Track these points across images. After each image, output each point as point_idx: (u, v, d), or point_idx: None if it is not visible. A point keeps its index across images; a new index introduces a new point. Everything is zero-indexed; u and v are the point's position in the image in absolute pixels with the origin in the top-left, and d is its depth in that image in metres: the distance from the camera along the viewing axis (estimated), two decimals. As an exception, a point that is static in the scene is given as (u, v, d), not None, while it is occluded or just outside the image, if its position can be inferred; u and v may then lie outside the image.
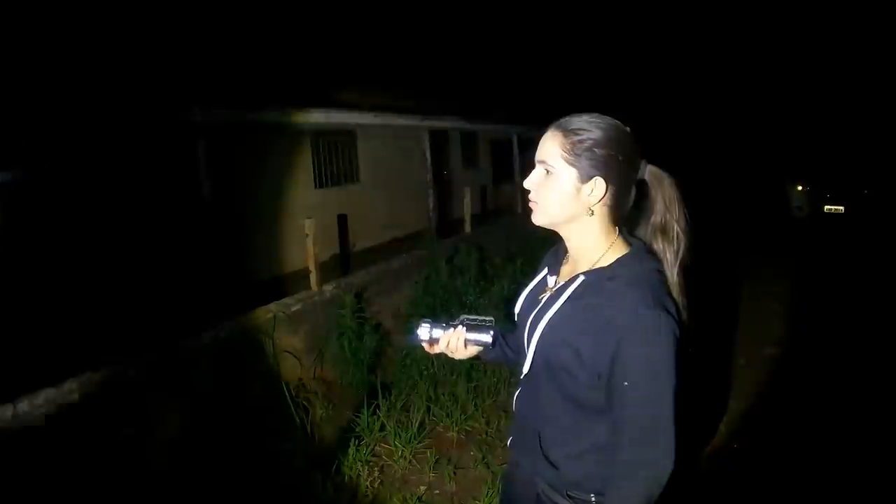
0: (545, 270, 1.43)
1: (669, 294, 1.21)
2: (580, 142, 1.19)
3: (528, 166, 1.29)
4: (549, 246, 1.49)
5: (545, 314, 1.26)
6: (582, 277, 1.24)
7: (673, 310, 1.17)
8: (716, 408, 3.93)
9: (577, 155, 1.19)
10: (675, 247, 1.25)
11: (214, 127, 6.64)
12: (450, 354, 1.49)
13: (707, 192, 16.76)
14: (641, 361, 1.13)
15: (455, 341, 1.45)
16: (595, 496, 1.27)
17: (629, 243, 1.27)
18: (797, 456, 3.34)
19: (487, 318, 1.46)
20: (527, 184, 1.27)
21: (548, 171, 1.22)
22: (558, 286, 1.30)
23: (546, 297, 1.32)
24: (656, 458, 1.15)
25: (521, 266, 6.50)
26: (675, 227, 1.25)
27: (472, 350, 1.48)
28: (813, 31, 20.71)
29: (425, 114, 10.31)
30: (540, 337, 1.26)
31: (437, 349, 1.49)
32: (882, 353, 4.80)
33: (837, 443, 3.45)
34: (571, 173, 1.19)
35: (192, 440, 3.13)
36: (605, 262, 1.23)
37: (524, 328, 1.33)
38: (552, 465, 1.32)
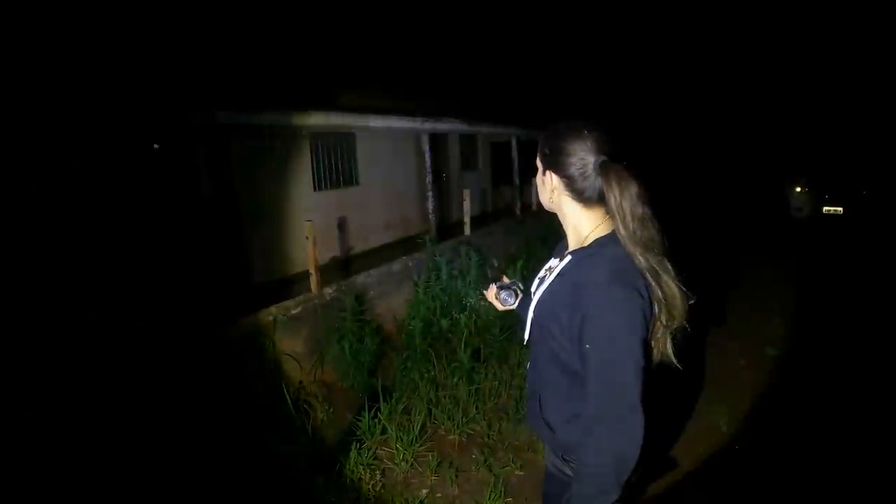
0: (552, 256, 1.66)
1: (641, 274, 1.34)
2: (542, 145, 1.50)
3: (529, 168, 1.64)
4: (548, 246, 1.71)
5: (540, 288, 1.53)
6: (569, 256, 1.48)
7: (640, 286, 1.32)
8: (717, 407, 3.92)
9: (541, 155, 1.51)
10: (630, 230, 1.35)
11: (213, 129, 6.63)
12: (494, 304, 1.91)
13: (708, 192, 16.88)
14: (601, 328, 1.29)
15: (491, 294, 1.89)
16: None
17: (612, 227, 1.42)
18: (799, 456, 3.34)
19: (515, 283, 1.89)
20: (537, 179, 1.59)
21: (536, 167, 1.55)
22: (555, 266, 1.53)
23: (546, 275, 1.56)
24: (617, 416, 1.27)
25: (522, 267, 6.50)
26: (624, 210, 1.36)
27: (504, 306, 1.87)
28: (812, 31, 20.74)
29: (425, 116, 10.30)
30: (534, 307, 1.52)
31: (488, 295, 1.92)
32: (881, 352, 4.80)
33: (838, 443, 3.45)
34: (540, 169, 1.53)
35: (194, 443, 3.12)
36: (587, 243, 1.45)
37: (528, 302, 1.59)
38: (550, 427, 1.52)
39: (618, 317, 1.28)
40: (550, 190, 1.49)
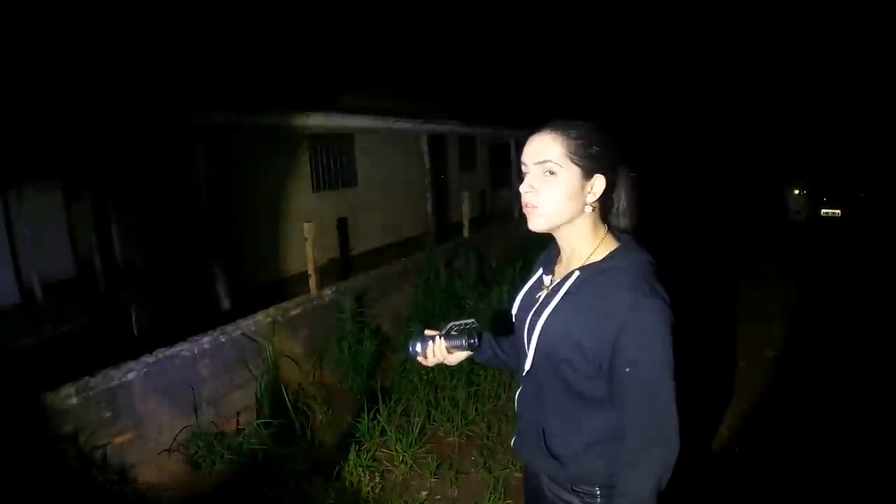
0: (540, 270, 1.48)
1: (661, 282, 1.25)
2: (583, 143, 1.25)
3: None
4: (548, 250, 1.51)
5: (544, 311, 1.31)
6: (577, 273, 1.29)
7: (666, 296, 1.22)
8: (717, 409, 3.92)
9: (580, 155, 1.25)
10: (633, 222, 1.35)
11: (212, 129, 6.63)
12: (443, 361, 1.53)
13: (707, 194, 16.91)
14: (641, 349, 1.18)
15: (439, 351, 1.49)
16: (599, 489, 1.31)
17: (618, 238, 1.34)
18: (799, 459, 3.34)
19: (469, 322, 1.48)
20: (524, 187, 1.30)
21: (551, 172, 1.25)
22: (554, 284, 1.35)
23: (543, 296, 1.36)
24: (663, 439, 1.19)
25: (520, 269, 6.49)
26: (629, 208, 1.35)
27: (460, 355, 1.52)
28: (812, 35, 20.79)
29: (424, 118, 10.32)
30: (540, 334, 1.30)
31: (429, 361, 1.53)
32: (880, 354, 4.81)
33: (838, 445, 3.45)
34: (575, 172, 1.25)
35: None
36: (598, 257, 1.29)
37: (523, 327, 1.38)
38: (556, 459, 1.35)
39: (657, 335, 1.19)
40: (591, 198, 1.29)
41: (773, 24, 21.27)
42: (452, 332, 1.47)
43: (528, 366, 1.37)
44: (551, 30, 16.53)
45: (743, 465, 3.35)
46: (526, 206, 1.30)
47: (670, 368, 1.19)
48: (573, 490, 1.35)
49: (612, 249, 1.30)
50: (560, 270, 1.39)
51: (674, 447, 1.20)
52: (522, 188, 1.31)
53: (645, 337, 1.18)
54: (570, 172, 1.25)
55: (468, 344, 1.44)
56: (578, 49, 17.31)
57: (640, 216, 1.36)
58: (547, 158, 1.25)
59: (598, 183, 1.27)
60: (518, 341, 1.44)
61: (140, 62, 5.93)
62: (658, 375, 1.19)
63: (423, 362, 1.54)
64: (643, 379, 1.19)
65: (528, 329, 1.35)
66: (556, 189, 1.25)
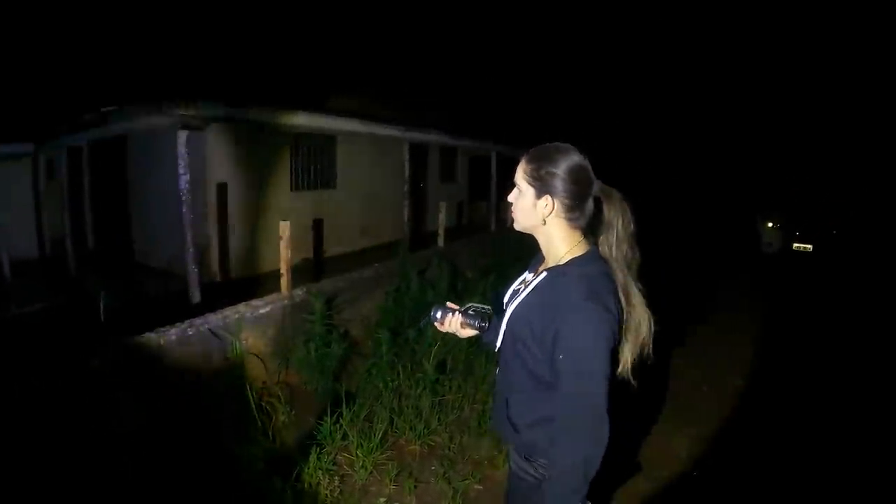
0: (528, 270, 1.75)
1: (612, 292, 1.47)
2: (536, 168, 1.52)
3: (508, 185, 1.64)
4: (521, 262, 1.82)
5: (516, 300, 1.61)
6: (545, 273, 1.57)
7: (611, 305, 1.44)
8: (678, 431, 4.00)
9: (533, 178, 1.53)
10: (622, 251, 1.53)
11: (197, 120, 6.56)
12: (454, 333, 1.78)
13: (683, 222, 17.20)
14: (573, 341, 1.41)
15: (455, 323, 1.74)
16: (546, 461, 1.54)
17: (587, 248, 1.56)
18: (757, 482, 3.42)
19: (485, 308, 1.76)
20: (510, 198, 1.61)
21: (518, 189, 1.57)
22: (530, 280, 1.63)
23: (522, 289, 1.65)
24: (587, 422, 1.40)
25: (493, 283, 6.52)
26: (622, 233, 1.53)
27: (470, 332, 1.77)
28: (791, 74, 21.42)
29: (408, 125, 10.34)
30: (509, 317, 1.62)
31: (444, 328, 1.77)
32: (841, 382, 4.97)
33: (793, 470, 3.54)
34: (531, 192, 1.54)
35: (151, 440, 3.06)
36: (564, 262, 1.54)
37: (504, 313, 1.67)
38: (514, 427, 1.62)
39: (590, 332, 1.40)
40: (545, 213, 1.53)
41: (749, 58, 21.85)
42: (470, 312, 1.74)
43: (499, 343, 1.68)
44: (535, 53, 16.79)
45: (701, 489, 3.42)
46: (510, 211, 1.60)
47: (599, 365, 1.39)
48: (527, 458, 1.61)
49: (575, 256, 1.53)
50: (540, 269, 1.65)
51: (597, 432, 1.39)
52: (509, 198, 1.60)
53: (579, 333, 1.40)
54: (528, 192, 1.54)
55: (479, 326, 1.72)
56: (563, 78, 17.62)
57: (631, 247, 1.56)
58: (516, 178, 1.56)
59: (546, 203, 1.52)
60: (499, 324, 1.71)
61: (130, 49, 5.87)
62: (587, 370, 1.39)
63: (440, 328, 1.78)
64: (573, 369, 1.41)
65: (504, 313, 1.65)
66: (520, 203, 1.57)
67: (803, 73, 21.39)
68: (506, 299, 1.73)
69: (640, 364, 1.56)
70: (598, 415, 1.39)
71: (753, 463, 3.69)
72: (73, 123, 7.80)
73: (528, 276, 1.71)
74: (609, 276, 1.50)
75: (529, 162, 1.53)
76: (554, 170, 1.50)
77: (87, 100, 5.55)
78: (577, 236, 1.56)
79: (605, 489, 1.58)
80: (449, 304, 1.79)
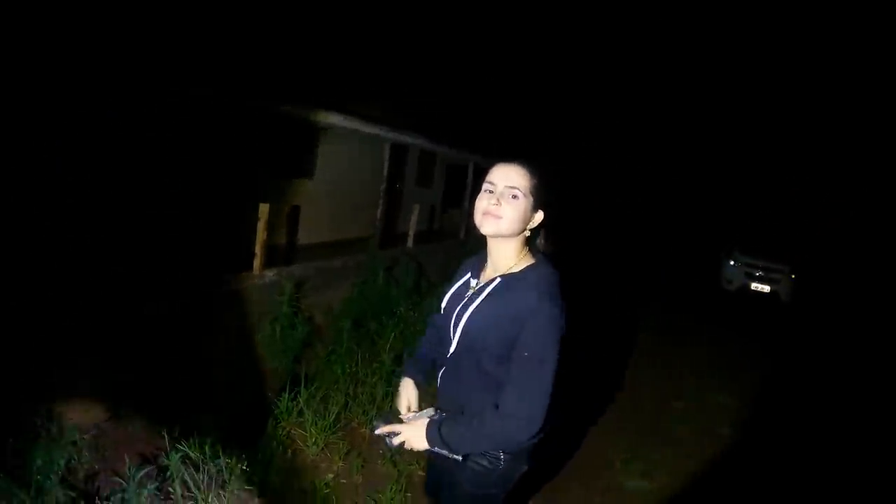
0: (468, 274, 1.86)
1: (560, 295, 1.63)
2: (539, 185, 1.66)
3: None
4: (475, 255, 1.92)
5: (469, 307, 1.69)
6: (499, 279, 1.69)
7: (563, 306, 1.60)
8: (623, 454, 4.28)
9: (535, 192, 1.66)
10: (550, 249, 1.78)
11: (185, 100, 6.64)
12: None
13: (645, 254, 17.68)
14: (534, 339, 1.55)
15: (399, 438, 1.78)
16: (503, 453, 1.68)
17: (535, 256, 1.73)
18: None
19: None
20: (492, 200, 1.64)
21: (515, 196, 1.63)
22: (480, 286, 1.74)
23: (470, 294, 1.75)
24: (525, 412, 1.54)
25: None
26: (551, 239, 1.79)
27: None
28: (760, 111, 22.18)
29: (390, 126, 10.51)
30: (465, 325, 1.68)
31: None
32: (787, 419, 5.35)
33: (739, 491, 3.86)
34: (529, 202, 1.65)
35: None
36: (517, 269, 1.68)
37: (450, 318, 1.75)
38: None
39: (548, 332, 1.56)
40: (531, 225, 1.70)
41: (719, 89, 22.53)
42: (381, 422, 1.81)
43: (452, 348, 1.75)
44: (517, 70, 17.14)
45: None
46: (487, 213, 1.64)
47: (553, 360, 1.56)
48: (482, 453, 1.69)
49: (528, 264, 1.68)
50: (485, 276, 1.77)
51: (531, 423, 1.54)
52: (488, 200, 1.64)
53: (539, 331, 1.56)
54: (527, 202, 1.64)
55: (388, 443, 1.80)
56: (540, 94, 18.02)
57: (556, 244, 1.79)
58: (515, 185, 1.63)
59: (539, 216, 1.70)
60: (444, 329, 1.82)
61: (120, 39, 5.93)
62: (541, 362, 1.55)
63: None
64: (530, 363, 1.55)
65: (455, 320, 1.72)
66: (516, 210, 1.63)
67: (777, 111, 22.15)
68: (445, 303, 1.84)
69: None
70: (538, 408, 1.53)
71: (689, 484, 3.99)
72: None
73: (471, 281, 1.81)
74: (556, 275, 1.67)
75: (534, 177, 1.65)
76: (552, 190, 1.69)
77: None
78: (526, 245, 1.74)
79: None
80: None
